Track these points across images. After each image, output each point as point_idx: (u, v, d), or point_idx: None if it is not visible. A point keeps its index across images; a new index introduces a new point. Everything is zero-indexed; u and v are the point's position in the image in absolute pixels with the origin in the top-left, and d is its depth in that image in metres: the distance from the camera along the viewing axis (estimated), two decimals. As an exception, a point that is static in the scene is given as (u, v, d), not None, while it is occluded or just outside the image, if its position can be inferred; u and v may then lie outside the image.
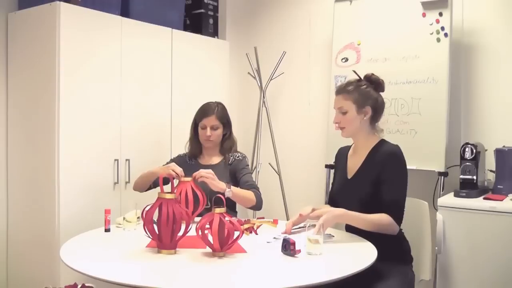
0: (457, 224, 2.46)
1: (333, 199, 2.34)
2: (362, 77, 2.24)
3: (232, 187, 2.39)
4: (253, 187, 2.55)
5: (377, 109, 2.21)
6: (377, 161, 2.14)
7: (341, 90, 2.21)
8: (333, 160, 2.45)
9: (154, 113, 3.18)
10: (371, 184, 2.12)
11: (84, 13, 2.77)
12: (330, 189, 2.46)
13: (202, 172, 2.32)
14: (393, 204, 2.08)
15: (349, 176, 2.26)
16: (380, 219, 2.05)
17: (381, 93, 2.24)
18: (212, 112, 2.62)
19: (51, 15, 2.66)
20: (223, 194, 2.28)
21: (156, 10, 3.25)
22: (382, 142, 2.22)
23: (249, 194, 2.48)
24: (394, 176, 2.11)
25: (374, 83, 2.22)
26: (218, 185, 2.33)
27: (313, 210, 2.17)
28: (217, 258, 1.82)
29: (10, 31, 2.89)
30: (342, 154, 2.38)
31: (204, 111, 2.64)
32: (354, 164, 2.26)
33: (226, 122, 2.67)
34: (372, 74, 2.23)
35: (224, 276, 1.67)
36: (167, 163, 2.64)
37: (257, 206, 2.52)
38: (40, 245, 2.74)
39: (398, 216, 2.08)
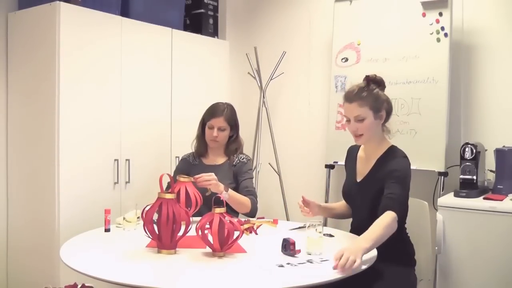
0: (457, 224, 2.46)
1: (345, 200, 2.34)
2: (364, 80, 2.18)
3: (231, 191, 2.40)
4: (250, 193, 2.56)
5: (389, 112, 2.18)
6: (384, 172, 2.09)
7: (355, 97, 2.10)
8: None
9: (154, 113, 3.18)
10: (379, 190, 2.07)
11: (84, 13, 2.77)
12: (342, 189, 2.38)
13: (204, 177, 2.31)
14: (393, 197, 1.98)
15: (358, 179, 2.23)
16: (387, 221, 1.92)
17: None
18: (221, 114, 2.62)
19: (51, 15, 2.66)
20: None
21: (156, 10, 3.25)
22: (392, 149, 2.17)
23: (246, 201, 2.49)
24: (396, 181, 2.03)
25: (381, 84, 2.16)
26: (218, 187, 2.34)
27: (321, 206, 2.26)
28: (217, 258, 1.82)
29: (10, 31, 2.89)
30: (352, 154, 2.34)
31: (213, 112, 2.64)
32: (363, 167, 2.22)
33: (234, 124, 2.68)
34: (375, 75, 2.17)
35: (224, 276, 1.67)
36: (175, 171, 2.70)
37: (251, 214, 2.53)
38: (40, 245, 2.74)
39: (398, 208, 1.96)
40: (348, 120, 2.15)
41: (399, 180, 2.04)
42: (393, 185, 2.02)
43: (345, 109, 2.15)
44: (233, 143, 2.69)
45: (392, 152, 2.16)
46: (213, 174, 2.34)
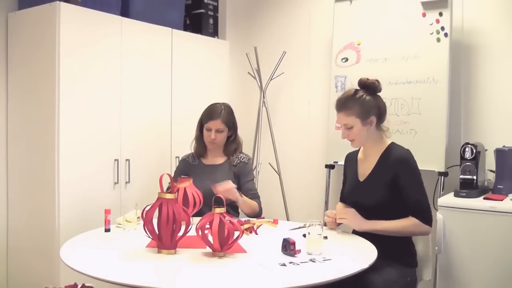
0: (457, 224, 2.46)
1: (344, 201, 2.34)
2: (356, 85, 2.21)
3: (243, 197, 2.49)
4: (256, 197, 2.62)
5: (381, 115, 2.20)
6: (389, 165, 2.14)
7: (342, 107, 2.17)
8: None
9: (154, 113, 3.18)
10: (385, 186, 2.12)
11: (84, 13, 2.77)
12: (340, 193, 2.44)
13: (225, 187, 2.33)
14: (417, 206, 2.09)
15: (361, 179, 2.25)
16: (406, 223, 2.07)
17: (380, 93, 2.23)
18: (218, 116, 2.61)
19: (51, 15, 2.66)
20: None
21: (156, 10, 3.25)
22: (393, 145, 2.21)
23: (255, 205, 2.57)
24: (411, 180, 2.11)
25: (371, 88, 2.18)
26: (236, 195, 2.39)
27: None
28: (217, 258, 1.82)
29: (10, 31, 2.89)
30: (351, 159, 2.37)
31: (210, 114, 2.63)
32: (365, 167, 2.25)
33: (231, 125, 2.68)
34: (367, 78, 2.19)
35: (224, 276, 1.67)
36: (175, 172, 2.71)
37: (256, 216, 2.58)
38: (40, 245, 2.73)
39: (425, 215, 2.08)
40: (341, 126, 2.22)
41: (413, 179, 2.12)
42: (410, 190, 2.10)
43: (336, 117, 2.23)
44: (232, 143, 2.69)
45: (394, 146, 2.21)
46: (230, 181, 2.37)
